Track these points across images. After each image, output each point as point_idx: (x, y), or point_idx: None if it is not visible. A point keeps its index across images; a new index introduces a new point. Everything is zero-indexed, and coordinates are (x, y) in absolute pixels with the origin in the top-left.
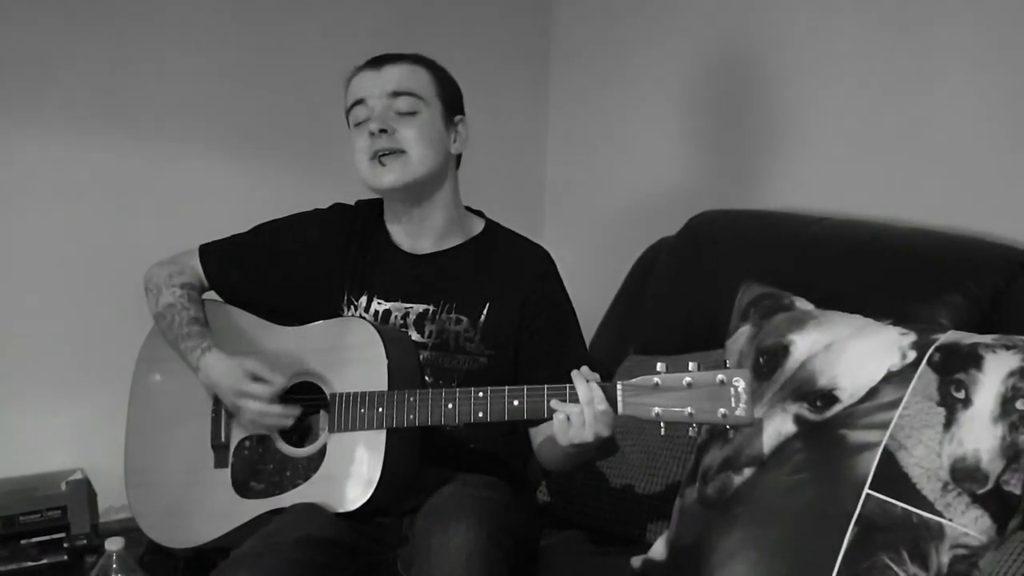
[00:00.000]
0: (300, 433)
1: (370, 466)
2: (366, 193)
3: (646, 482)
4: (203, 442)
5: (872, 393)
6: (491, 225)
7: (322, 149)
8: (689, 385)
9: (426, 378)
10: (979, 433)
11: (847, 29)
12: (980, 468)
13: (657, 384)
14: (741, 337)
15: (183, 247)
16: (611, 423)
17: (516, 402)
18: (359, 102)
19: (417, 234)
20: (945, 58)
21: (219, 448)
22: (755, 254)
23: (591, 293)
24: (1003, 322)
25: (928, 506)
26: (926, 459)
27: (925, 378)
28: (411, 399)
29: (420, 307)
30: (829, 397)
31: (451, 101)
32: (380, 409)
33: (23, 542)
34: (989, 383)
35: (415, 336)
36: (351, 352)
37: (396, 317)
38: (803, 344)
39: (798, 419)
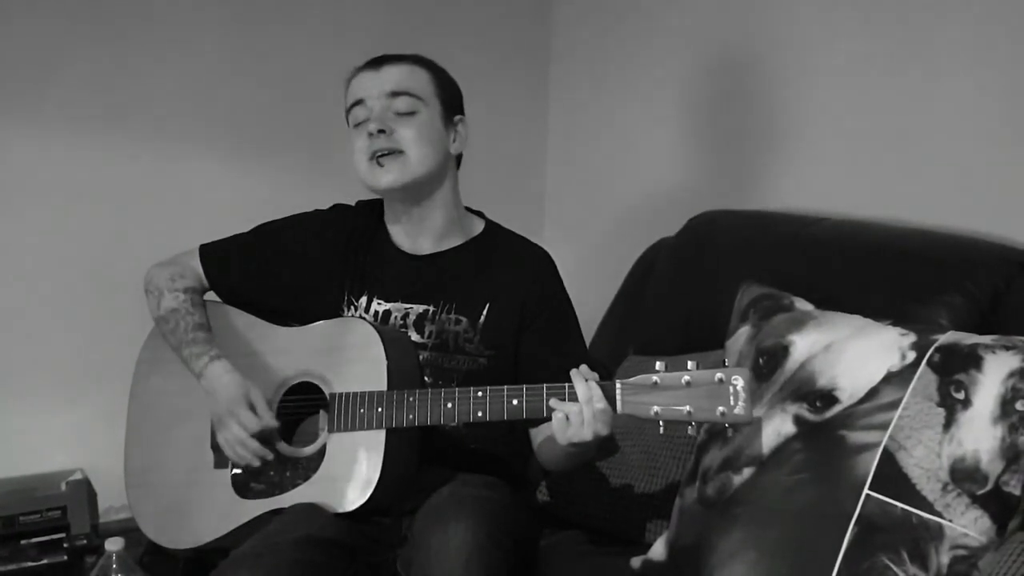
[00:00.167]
0: (300, 433)
1: (369, 466)
2: (366, 193)
3: (646, 482)
4: (203, 443)
5: (872, 394)
6: (491, 225)
7: (322, 149)
8: (688, 384)
9: (426, 378)
10: (979, 434)
11: (847, 29)
12: (980, 469)
13: (656, 383)
14: (741, 337)
15: (183, 247)
16: (610, 422)
17: (515, 401)
18: (358, 102)
19: (417, 234)
20: (945, 58)
21: (219, 448)
22: (755, 254)
23: (591, 293)
24: (1003, 323)
25: (928, 507)
26: (926, 460)
27: (925, 379)
28: (410, 399)
29: (420, 307)
30: (829, 397)
31: (450, 101)
32: (380, 409)
33: (23, 542)
34: (989, 384)
35: (415, 336)
36: (351, 352)
37: (396, 317)
38: (803, 344)
39: (798, 419)
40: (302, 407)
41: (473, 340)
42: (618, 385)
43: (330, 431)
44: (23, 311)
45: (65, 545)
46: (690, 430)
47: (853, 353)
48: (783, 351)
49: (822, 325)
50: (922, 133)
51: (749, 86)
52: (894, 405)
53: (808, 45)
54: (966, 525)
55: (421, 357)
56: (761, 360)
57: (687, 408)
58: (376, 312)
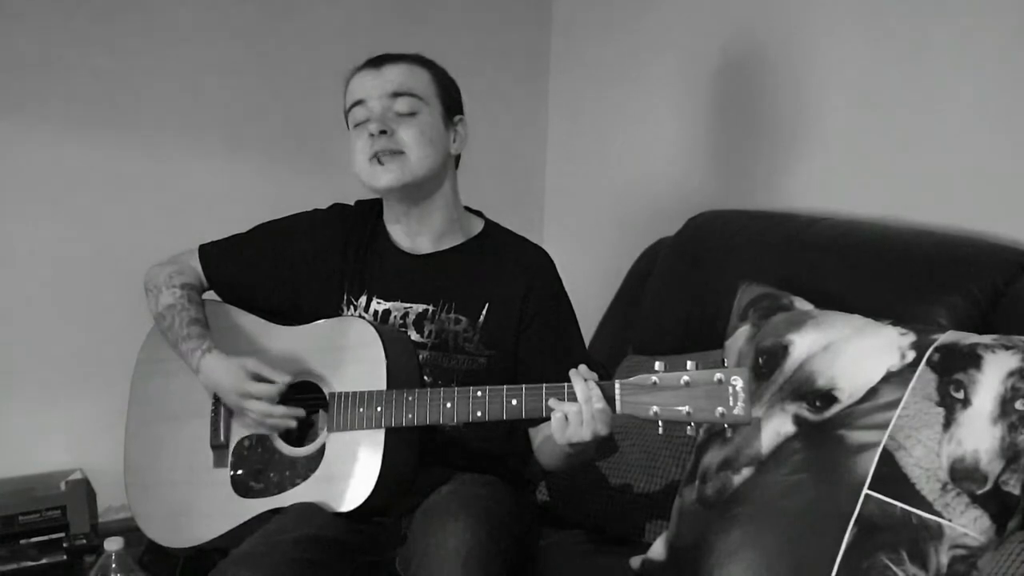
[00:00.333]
0: (300, 433)
1: (368, 466)
2: (366, 193)
3: (645, 482)
4: (202, 442)
5: (871, 393)
6: (490, 225)
7: (322, 149)
8: (687, 384)
9: (425, 378)
10: (978, 433)
11: (846, 29)
12: (979, 468)
13: (655, 383)
14: (740, 337)
15: (183, 247)
16: (609, 421)
17: (514, 401)
18: (359, 103)
19: (416, 234)
20: (946, 58)
21: (218, 448)
22: (754, 254)
23: (591, 293)
24: (1002, 322)
25: (927, 506)
26: (925, 459)
27: (924, 378)
28: (410, 398)
29: (419, 307)
30: (828, 397)
31: (451, 101)
32: (379, 408)
33: (22, 542)
34: (988, 383)
35: (414, 336)
36: (350, 352)
37: (395, 317)
38: (802, 344)
39: (797, 419)
40: (301, 406)
41: (473, 340)
42: (617, 385)
43: (329, 430)
44: (23, 310)
45: (64, 545)
46: (689, 430)
47: (852, 353)
48: (782, 351)
49: (821, 325)
50: (922, 133)
51: (749, 86)
52: (893, 405)
53: (808, 45)
54: (965, 525)
55: (421, 357)
56: (760, 360)
57: (686, 408)
58: (376, 311)
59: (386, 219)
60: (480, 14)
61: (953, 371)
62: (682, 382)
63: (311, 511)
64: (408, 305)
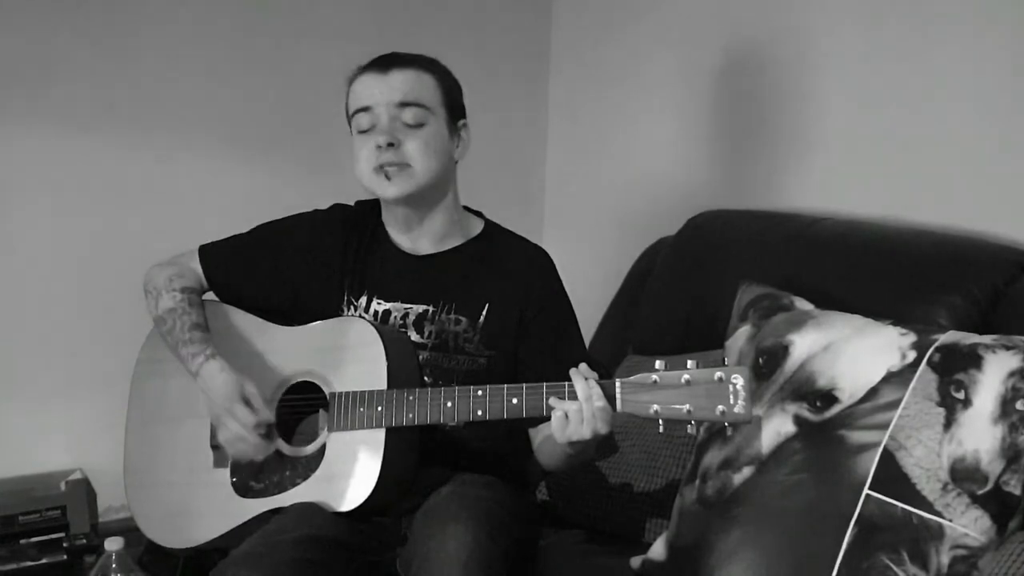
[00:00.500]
0: (300, 432)
1: (368, 466)
2: (365, 193)
3: (645, 482)
4: (202, 442)
5: (872, 393)
6: (490, 225)
7: (323, 149)
8: (688, 383)
9: (425, 378)
10: (979, 433)
11: (847, 29)
12: (980, 469)
13: (656, 382)
14: (740, 337)
15: (183, 247)
16: (610, 420)
17: (515, 400)
18: (365, 109)
19: (417, 235)
20: (947, 58)
21: (218, 448)
22: (754, 254)
23: (591, 293)
24: (1003, 322)
25: (928, 506)
26: (926, 459)
27: (925, 378)
28: (410, 398)
29: (420, 308)
30: (829, 397)
31: (455, 107)
32: (379, 408)
33: (22, 542)
34: (989, 383)
35: (414, 336)
36: (351, 352)
37: (396, 317)
38: (802, 344)
39: (798, 419)
40: (302, 406)
41: (473, 340)
42: (618, 384)
43: (330, 430)
44: (23, 310)
45: (64, 545)
46: (690, 429)
47: (853, 353)
48: (783, 351)
49: (822, 325)
50: (922, 133)
51: (749, 86)
52: (894, 405)
53: (809, 45)
54: (966, 525)
55: (421, 357)
56: (761, 360)
57: (686, 407)
58: (376, 312)
59: (386, 220)
60: (480, 14)
61: (954, 371)
62: (683, 380)
63: (311, 511)
64: (408, 306)
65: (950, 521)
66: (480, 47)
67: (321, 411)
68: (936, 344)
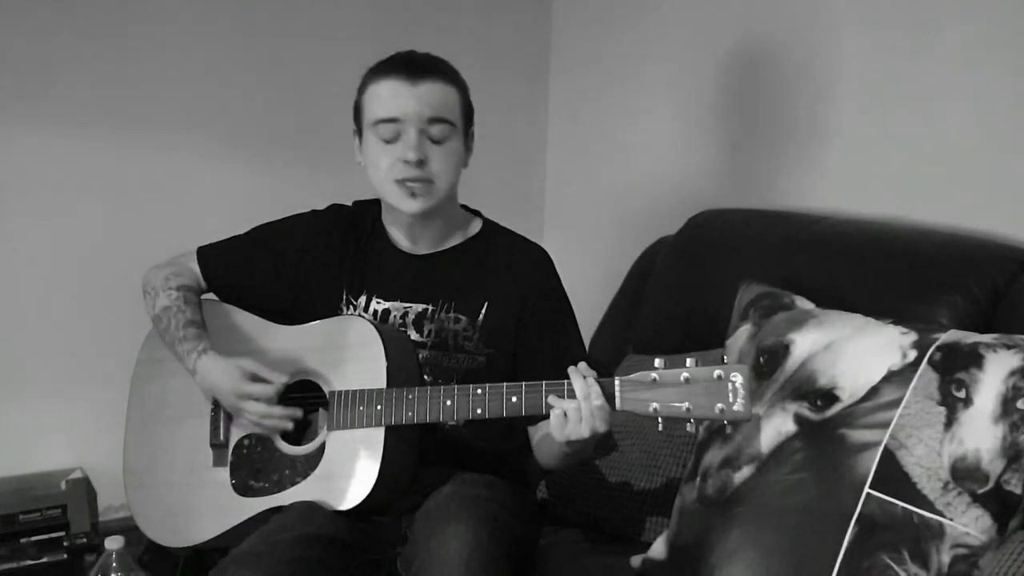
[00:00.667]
0: (299, 431)
1: (368, 464)
2: (363, 193)
3: (646, 481)
4: (202, 441)
5: (872, 392)
6: (489, 224)
7: (322, 149)
8: (687, 380)
9: (425, 377)
10: (980, 433)
11: (847, 29)
12: (981, 468)
13: (655, 380)
14: (741, 336)
15: (183, 247)
16: (608, 419)
17: (514, 398)
18: (392, 120)
19: (417, 236)
20: (947, 58)
21: (218, 447)
22: (755, 253)
23: (591, 293)
24: (1003, 321)
25: (928, 505)
26: (926, 458)
27: (926, 377)
28: (409, 396)
29: (419, 306)
30: (829, 396)
31: (470, 117)
32: (379, 407)
33: (23, 541)
34: (990, 382)
35: (414, 335)
36: (350, 350)
37: (395, 316)
38: (803, 343)
39: (798, 418)
40: (302, 405)
41: (472, 339)
42: (617, 382)
43: (329, 429)
44: (23, 310)
45: (65, 544)
46: (689, 427)
47: (854, 352)
48: (783, 350)
49: (823, 324)
50: (922, 132)
51: (749, 85)
52: (895, 404)
53: (810, 44)
54: (967, 524)
55: (420, 356)
56: (761, 359)
57: (686, 405)
58: (375, 311)
59: (386, 221)
60: (480, 14)
61: (955, 370)
62: (682, 379)
63: (311, 510)
64: (408, 305)
65: (951, 520)
66: (480, 47)
67: (320, 410)
68: (937, 343)
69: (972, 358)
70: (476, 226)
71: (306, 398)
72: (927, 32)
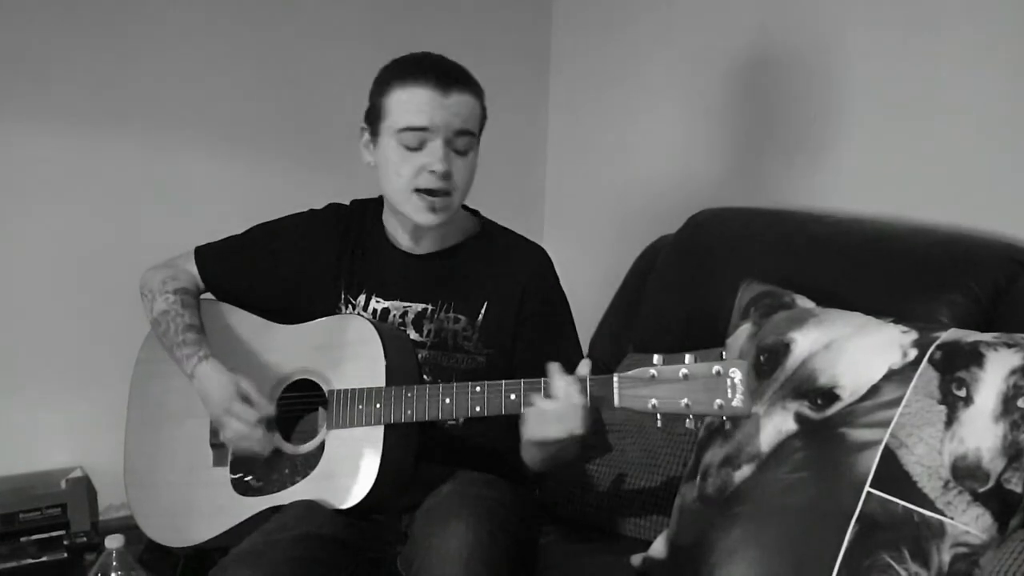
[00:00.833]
0: (299, 431)
1: (368, 463)
2: (362, 193)
3: (646, 480)
4: (202, 441)
5: (873, 391)
6: (488, 224)
7: (322, 149)
8: (686, 377)
9: (424, 377)
10: (980, 431)
11: (848, 29)
12: (981, 466)
13: (654, 376)
14: (741, 335)
15: (182, 247)
16: (585, 420)
17: (513, 396)
18: (419, 129)
19: (420, 237)
20: (948, 57)
21: (218, 447)
22: (755, 252)
23: (591, 292)
24: (1004, 320)
25: (929, 504)
26: (927, 457)
27: (926, 376)
28: (409, 395)
29: (418, 306)
30: (830, 395)
31: (484, 124)
32: (378, 405)
33: (23, 540)
34: (990, 381)
35: (413, 335)
36: (350, 349)
37: (394, 316)
38: (804, 342)
39: (799, 417)
40: (301, 404)
41: (472, 338)
42: (615, 378)
43: (329, 428)
44: (23, 309)
45: (65, 543)
46: (688, 424)
47: (854, 351)
48: (784, 349)
49: (823, 323)
50: (923, 132)
51: (750, 84)
52: (895, 403)
53: (810, 43)
54: (967, 523)
55: (420, 356)
56: (762, 358)
57: (684, 401)
58: (375, 310)
59: (386, 220)
60: (480, 14)
61: (955, 369)
62: (681, 375)
63: (311, 509)
64: (407, 304)
65: (951, 519)
66: (480, 47)
67: (320, 409)
68: (937, 342)
69: (973, 357)
70: (475, 226)
71: (305, 397)
72: (927, 32)
